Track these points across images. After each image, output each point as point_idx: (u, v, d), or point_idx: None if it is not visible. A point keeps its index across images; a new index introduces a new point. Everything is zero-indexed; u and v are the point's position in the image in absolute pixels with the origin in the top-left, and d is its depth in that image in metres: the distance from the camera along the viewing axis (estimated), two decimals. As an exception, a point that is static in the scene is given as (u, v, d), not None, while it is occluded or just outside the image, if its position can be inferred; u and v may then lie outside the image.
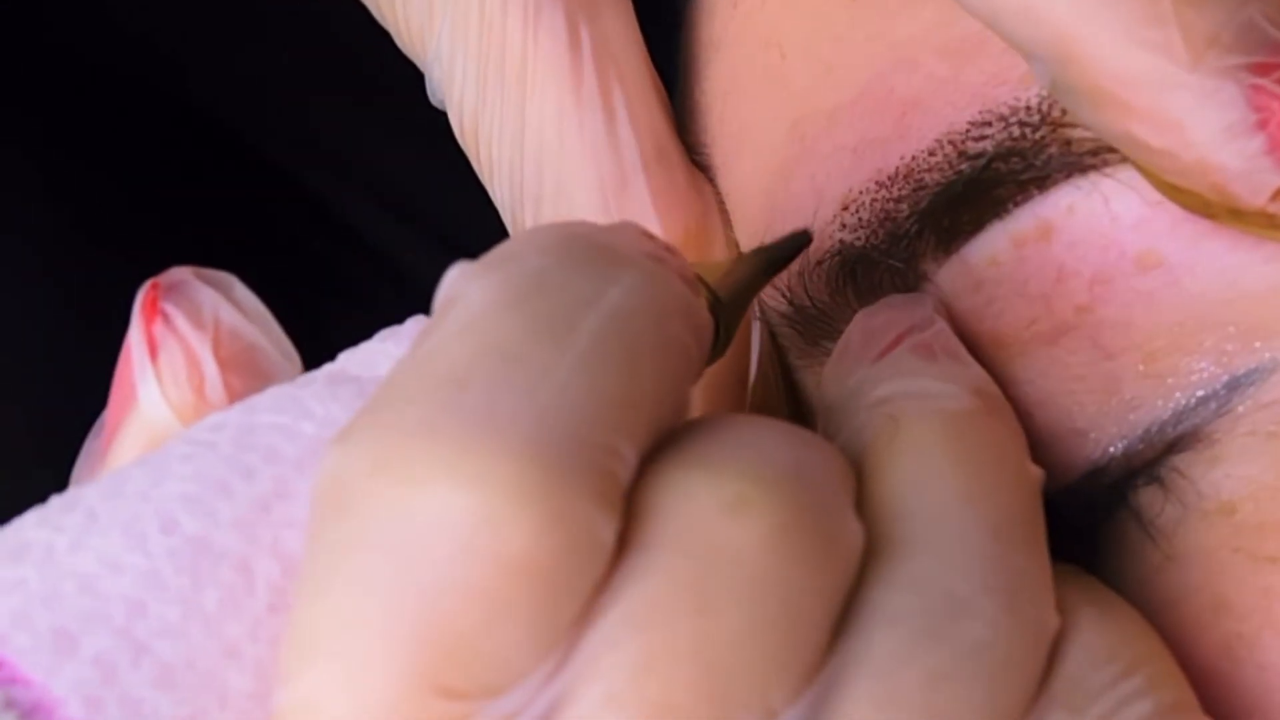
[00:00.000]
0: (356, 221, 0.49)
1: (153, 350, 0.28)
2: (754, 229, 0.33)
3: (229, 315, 0.28)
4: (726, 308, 0.28)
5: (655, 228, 0.32)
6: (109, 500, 0.25)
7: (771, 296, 0.32)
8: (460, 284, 0.25)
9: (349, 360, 0.27)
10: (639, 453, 0.24)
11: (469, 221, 0.41)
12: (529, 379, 0.24)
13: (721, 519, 0.24)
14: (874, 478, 0.26)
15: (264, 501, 0.25)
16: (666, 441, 0.25)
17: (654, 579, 0.23)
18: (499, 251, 0.25)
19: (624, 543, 0.24)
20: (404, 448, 0.23)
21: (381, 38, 0.35)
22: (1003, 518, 0.26)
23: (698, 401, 0.33)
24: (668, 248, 0.26)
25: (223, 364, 0.28)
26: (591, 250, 0.25)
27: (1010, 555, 0.25)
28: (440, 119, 0.34)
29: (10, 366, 0.46)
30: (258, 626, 0.25)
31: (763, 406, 0.34)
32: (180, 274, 0.29)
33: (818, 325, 0.32)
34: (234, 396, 0.28)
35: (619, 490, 0.24)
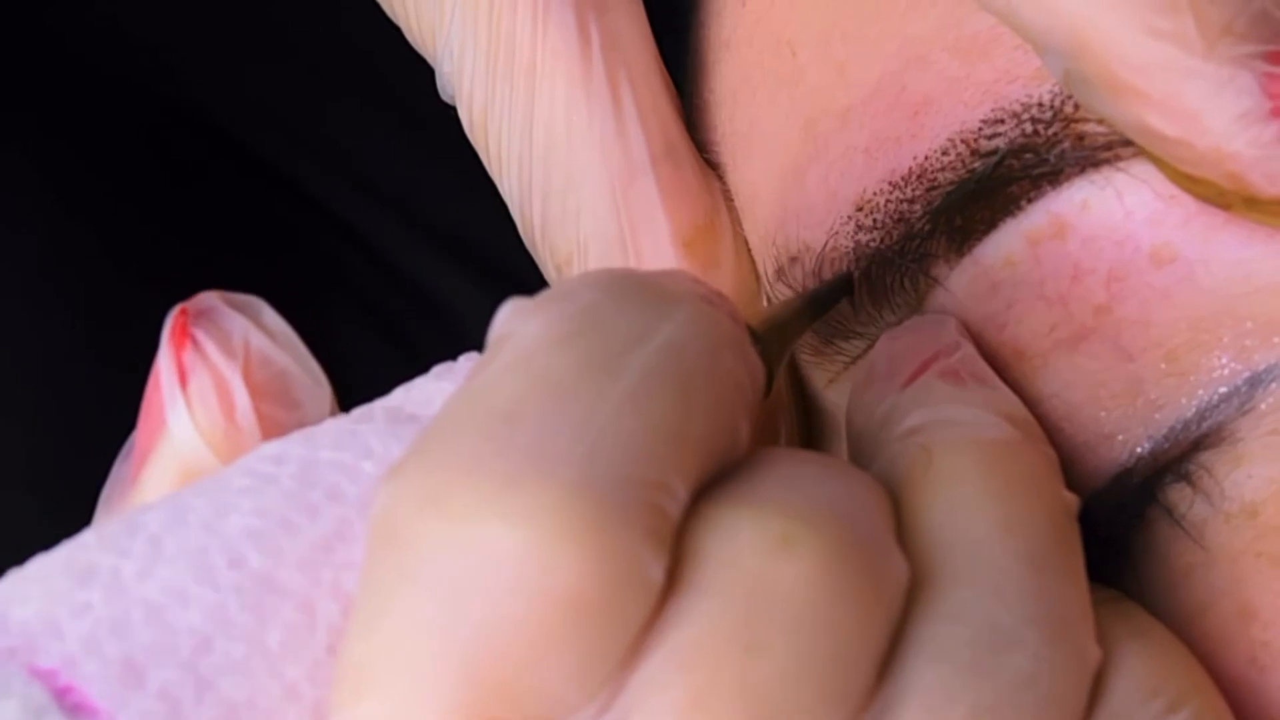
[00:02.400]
0: (368, 229, 0.49)
1: (183, 377, 0.28)
2: (765, 229, 0.33)
3: (259, 341, 0.28)
4: (769, 349, 0.28)
5: (664, 223, 0.32)
6: (172, 529, 0.25)
7: (784, 295, 0.32)
8: (513, 321, 0.25)
9: (406, 397, 0.27)
10: (691, 489, 0.24)
11: (483, 229, 0.41)
12: (579, 414, 0.24)
13: (767, 558, 0.24)
14: (911, 510, 0.26)
15: (326, 541, 0.25)
16: (720, 478, 0.25)
17: (701, 619, 0.23)
18: (552, 290, 0.25)
19: (673, 581, 0.24)
20: (454, 483, 0.23)
21: (394, 41, 0.35)
22: (1041, 547, 0.26)
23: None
24: (717, 292, 0.27)
25: (253, 390, 0.28)
26: (643, 288, 0.25)
27: (1050, 585, 0.25)
28: (453, 124, 0.34)
29: (13, 376, 0.45)
30: (317, 668, 0.25)
31: (771, 406, 0.33)
32: (209, 299, 0.29)
33: (830, 325, 0.32)
34: (265, 423, 0.28)
35: (669, 527, 0.24)
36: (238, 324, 0.28)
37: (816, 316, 0.30)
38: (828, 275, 0.31)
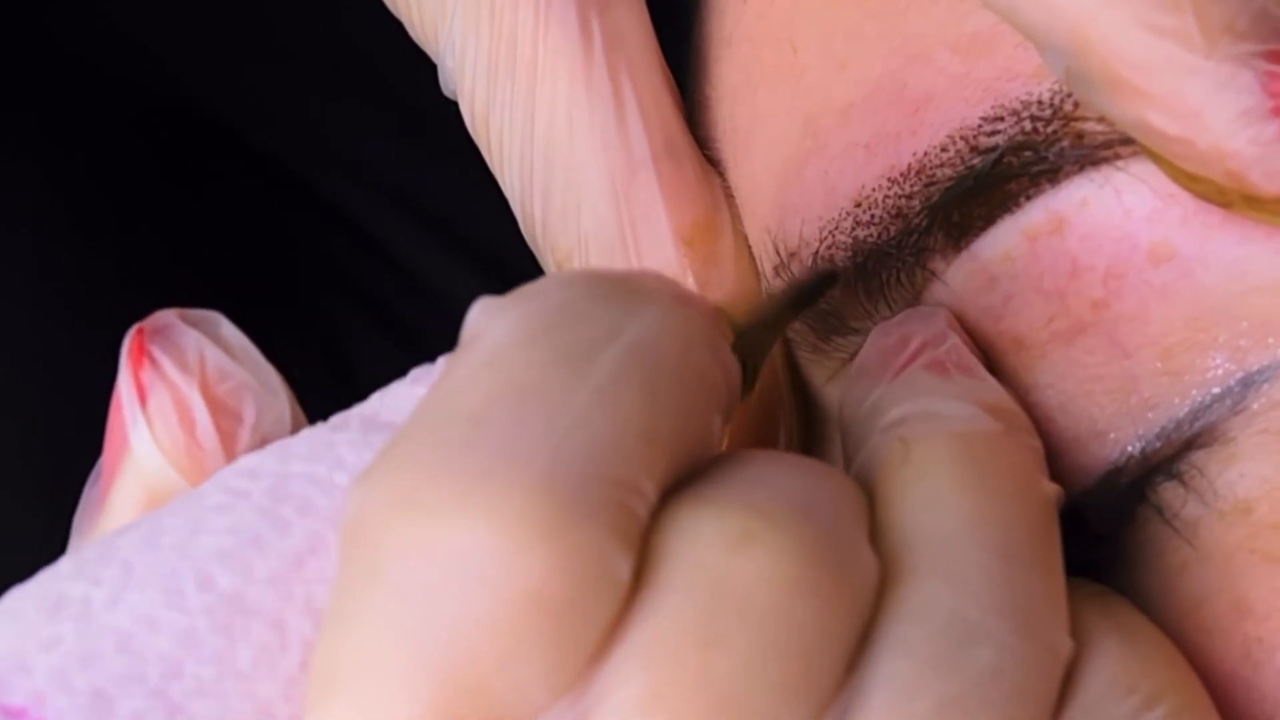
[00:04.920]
0: (370, 227, 0.49)
1: (142, 396, 0.28)
2: (764, 225, 0.33)
3: (214, 355, 0.29)
4: (751, 346, 0.28)
5: (664, 220, 0.33)
6: (145, 552, 0.25)
7: (783, 291, 0.32)
8: (483, 320, 0.25)
9: (382, 403, 0.27)
10: (660, 487, 0.24)
11: (485, 225, 0.41)
12: (546, 413, 0.24)
13: (728, 555, 0.24)
14: (884, 505, 0.26)
15: (298, 556, 0.25)
16: (691, 477, 0.25)
17: (663, 615, 0.23)
18: (523, 289, 0.26)
19: (639, 580, 0.24)
20: (421, 484, 0.23)
21: (395, 40, 0.35)
22: (1013, 539, 0.26)
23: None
24: (691, 291, 0.27)
25: (211, 405, 0.28)
26: (614, 287, 0.25)
27: (1021, 577, 0.25)
28: (454, 121, 0.34)
29: (12, 377, 0.45)
30: (291, 686, 0.25)
31: (770, 401, 0.33)
32: (165, 317, 0.29)
33: (828, 321, 0.32)
34: (224, 437, 0.28)
35: (636, 526, 0.24)
36: (192, 339, 0.29)
37: (801, 310, 0.30)
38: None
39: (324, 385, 0.45)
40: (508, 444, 0.23)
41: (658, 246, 0.32)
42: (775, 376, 0.34)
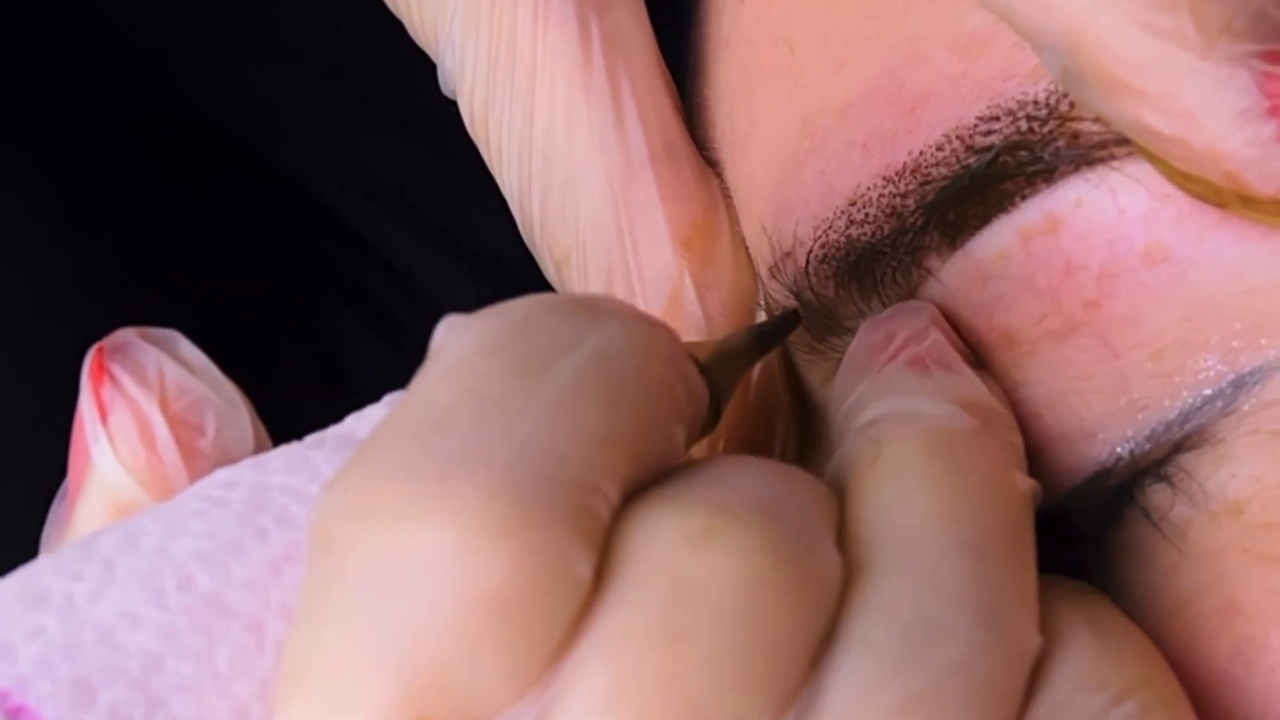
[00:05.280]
0: (369, 229, 0.49)
1: (103, 413, 0.29)
2: (761, 224, 0.33)
3: (173, 371, 0.29)
4: (717, 382, 0.28)
5: (662, 221, 0.33)
6: (126, 551, 0.26)
7: (778, 293, 0.33)
8: (449, 335, 0.26)
9: (357, 424, 0.28)
10: (622, 489, 0.25)
11: (484, 227, 0.41)
12: (506, 419, 0.24)
13: (689, 552, 0.24)
14: (853, 504, 0.27)
15: (275, 564, 0.26)
16: (654, 482, 0.25)
17: (625, 611, 0.24)
18: (490, 307, 0.26)
19: (601, 580, 0.24)
20: (384, 489, 0.24)
21: (394, 41, 0.35)
22: (981, 535, 0.26)
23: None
24: (655, 317, 0.27)
25: (171, 420, 0.29)
26: (576, 303, 0.26)
27: (989, 573, 0.25)
28: (453, 123, 0.34)
29: (13, 377, 0.46)
30: (266, 687, 0.25)
31: (766, 403, 0.34)
32: (125, 335, 0.29)
33: (823, 322, 0.32)
34: (185, 451, 0.29)
35: (598, 526, 0.24)
36: (151, 356, 0.29)
37: (765, 350, 0.31)
38: (820, 272, 0.31)
39: (320, 386, 0.45)
40: (467, 449, 0.24)
41: (655, 247, 0.33)
42: (772, 378, 0.34)
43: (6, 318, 0.46)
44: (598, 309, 0.26)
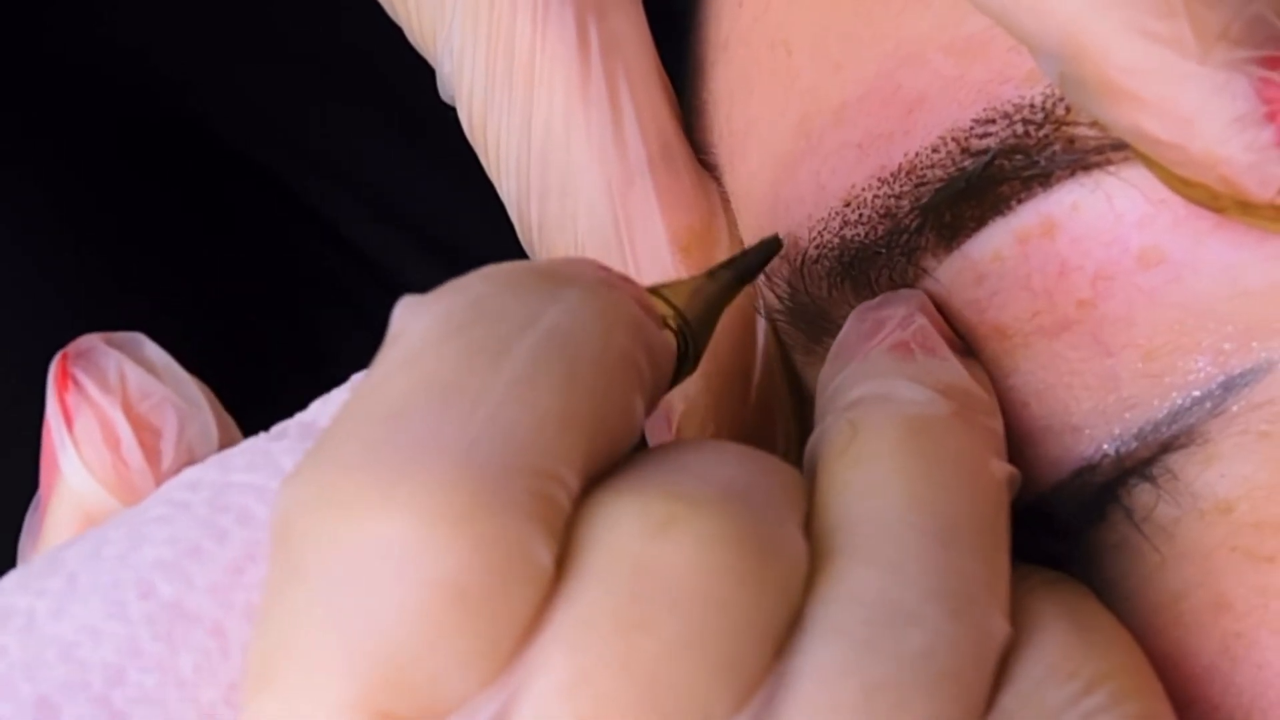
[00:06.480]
0: (366, 234, 0.49)
1: (69, 420, 0.29)
2: (758, 226, 0.33)
3: (135, 374, 0.29)
4: (694, 324, 0.28)
5: (660, 227, 0.33)
6: (89, 563, 0.26)
7: (773, 294, 0.33)
8: (405, 318, 0.25)
9: (321, 410, 0.28)
10: (582, 475, 0.25)
11: (481, 233, 0.41)
12: (462, 406, 0.24)
13: (649, 540, 0.24)
14: (823, 489, 0.26)
15: (237, 565, 0.26)
16: (617, 467, 0.25)
17: (586, 601, 0.24)
18: (444, 286, 0.26)
19: (562, 568, 0.24)
20: (341, 481, 0.24)
21: (393, 45, 0.35)
22: (951, 522, 0.26)
23: (702, 400, 0.33)
24: (622, 276, 0.27)
25: (134, 423, 0.29)
26: (534, 276, 0.26)
27: (957, 560, 0.25)
28: (452, 128, 0.34)
29: (13, 377, 0.46)
30: (232, 691, 0.25)
31: (767, 405, 0.34)
32: (88, 341, 0.29)
33: (818, 323, 0.32)
34: (149, 452, 0.29)
35: (558, 514, 0.24)
36: (112, 360, 0.29)
37: (742, 284, 0.30)
38: (814, 273, 0.32)
39: (314, 390, 0.45)
40: (424, 438, 0.24)
41: (653, 252, 0.33)
42: (773, 378, 0.34)
43: (6, 320, 0.46)
44: (558, 277, 0.26)
